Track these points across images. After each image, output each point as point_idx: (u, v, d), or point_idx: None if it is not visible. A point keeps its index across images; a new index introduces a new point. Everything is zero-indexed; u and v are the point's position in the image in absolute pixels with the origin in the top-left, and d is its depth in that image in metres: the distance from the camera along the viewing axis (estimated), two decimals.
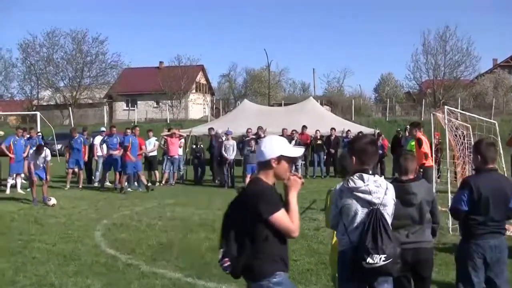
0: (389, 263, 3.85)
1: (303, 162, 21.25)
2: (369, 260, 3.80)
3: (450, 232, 9.66)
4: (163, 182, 18.54)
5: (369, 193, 3.94)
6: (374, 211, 3.92)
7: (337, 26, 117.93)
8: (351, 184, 3.97)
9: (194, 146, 19.79)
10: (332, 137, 21.89)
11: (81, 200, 14.55)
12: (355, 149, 4.13)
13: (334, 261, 4.44)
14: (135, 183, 17.37)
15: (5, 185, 16.16)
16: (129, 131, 16.87)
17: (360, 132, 22.43)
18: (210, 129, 20.63)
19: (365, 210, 3.94)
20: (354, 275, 3.96)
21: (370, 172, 4.06)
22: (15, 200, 14.37)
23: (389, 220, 4.02)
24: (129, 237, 9.61)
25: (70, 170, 17.43)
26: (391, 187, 4.12)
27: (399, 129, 22.95)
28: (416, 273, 4.87)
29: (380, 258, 3.80)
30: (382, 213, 3.96)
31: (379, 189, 3.99)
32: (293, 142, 19.22)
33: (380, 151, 20.19)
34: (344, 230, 4.03)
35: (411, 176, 4.96)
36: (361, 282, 4.01)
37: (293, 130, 20.60)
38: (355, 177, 4.00)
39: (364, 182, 3.96)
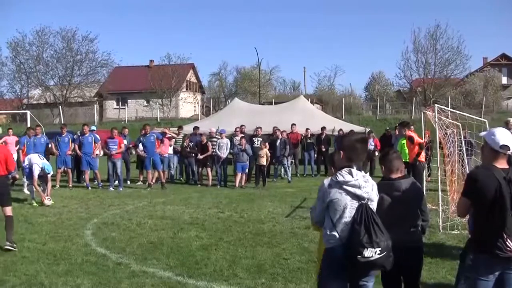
0: (384, 256, 3.89)
1: (292, 161, 21.21)
2: (365, 254, 3.82)
3: (440, 230, 9.71)
4: (153, 180, 18.49)
5: (359, 187, 3.97)
6: (363, 206, 3.95)
7: (328, 24, 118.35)
8: (340, 178, 3.99)
9: (185, 145, 19.65)
10: (323, 136, 21.89)
11: (71, 199, 14.48)
12: (344, 145, 4.16)
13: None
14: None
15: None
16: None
17: (351, 130, 22.51)
18: (195, 127, 20.35)
19: (354, 204, 3.96)
20: (341, 273, 3.95)
21: (355, 169, 4.08)
22: None
23: None
24: (120, 236, 9.57)
25: (59, 170, 17.35)
26: (375, 183, 4.17)
27: (388, 128, 22.98)
28: (405, 270, 4.88)
29: (375, 252, 3.84)
30: (371, 207, 4.00)
31: (367, 184, 4.04)
32: (278, 141, 19.19)
33: (372, 148, 20.27)
34: (332, 226, 4.01)
35: (399, 174, 4.98)
36: (346, 280, 4.01)
37: (275, 128, 20.14)
38: (343, 171, 4.02)
39: (353, 177, 3.99)
